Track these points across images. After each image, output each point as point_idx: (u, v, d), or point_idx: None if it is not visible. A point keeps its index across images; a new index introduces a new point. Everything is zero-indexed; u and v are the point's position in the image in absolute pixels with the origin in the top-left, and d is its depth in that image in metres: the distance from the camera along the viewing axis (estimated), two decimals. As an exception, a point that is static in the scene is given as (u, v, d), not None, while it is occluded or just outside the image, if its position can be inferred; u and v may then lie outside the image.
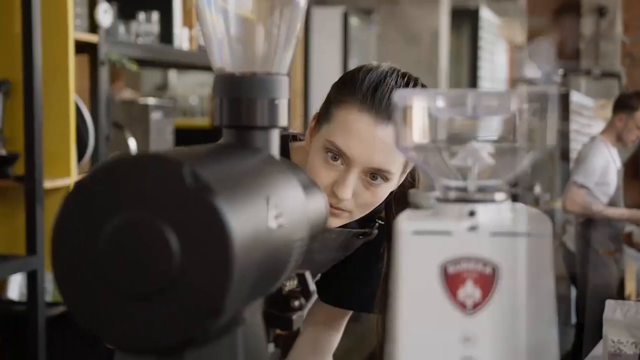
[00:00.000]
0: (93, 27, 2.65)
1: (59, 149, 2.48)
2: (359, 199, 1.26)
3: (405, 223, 0.70)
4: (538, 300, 0.68)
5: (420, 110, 0.71)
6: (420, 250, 0.69)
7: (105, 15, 2.62)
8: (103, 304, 0.62)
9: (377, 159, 1.22)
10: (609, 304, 2.01)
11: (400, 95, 0.71)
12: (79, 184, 0.63)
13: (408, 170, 1.32)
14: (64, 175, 2.50)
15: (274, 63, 0.83)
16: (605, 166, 4.23)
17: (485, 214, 0.69)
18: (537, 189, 6.27)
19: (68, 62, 2.46)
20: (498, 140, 0.73)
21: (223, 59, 0.82)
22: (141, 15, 3.02)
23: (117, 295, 0.62)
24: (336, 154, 1.24)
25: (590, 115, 7.89)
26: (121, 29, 2.91)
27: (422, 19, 5.43)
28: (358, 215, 1.29)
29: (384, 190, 1.27)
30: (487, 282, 0.67)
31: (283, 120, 0.83)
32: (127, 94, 3.74)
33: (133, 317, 0.62)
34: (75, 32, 2.54)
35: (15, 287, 2.58)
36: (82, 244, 0.63)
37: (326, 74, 5.26)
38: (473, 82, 7.45)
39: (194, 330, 0.62)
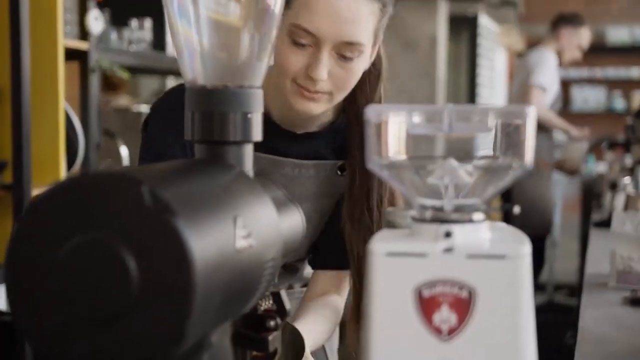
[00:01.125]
0: (84, 34, 2.62)
1: (48, 157, 2.45)
2: (335, 78, 1.23)
3: (379, 244, 0.67)
4: (516, 325, 0.65)
5: (394, 125, 0.69)
6: (394, 273, 0.66)
7: (95, 22, 2.60)
8: (60, 328, 0.60)
9: (346, 30, 1.20)
10: (617, 215, 1.90)
11: (373, 111, 0.68)
12: (35, 203, 0.60)
13: (378, 43, 1.30)
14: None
15: (247, 75, 0.80)
16: (554, 72, 4.39)
17: (462, 234, 0.66)
18: None
19: (58, 69, 2.44)
20: (476, 158, 0.70)
21: (195, 71, 0.80)
22: (133, 22, 3.00)
23: (75, 319, 0.59)
24: (302, 36, 1.21)
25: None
26: (113, 35, 2.88)
27: (420, 25, 5.41)
28: (338, 96, 1.27)
29: (358, 65, 1.24)
30: (464, 306, 0.65)
31: (257, 135, 0.80)
32: (123, 100, 3.72)
33: (91, 342, 0.59)
34: (66, 39, 2.51)
35: (3, 297, 2.55)
36: (38, 265, 0.60)
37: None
38: (471, 89, 7.43)
39: (154, 357, 0.59)
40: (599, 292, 1.81)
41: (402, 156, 0.70)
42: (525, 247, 0.65)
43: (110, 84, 3.42)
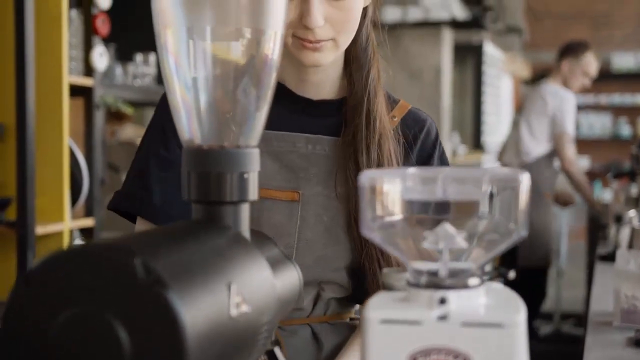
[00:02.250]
0: (89, 70, 2.64)
1: (52, 193, 2.46)
2: (333, 21, 1.15)
3: (373, 311, 0.67)
4: (512, 393, 0.64)
5: (387, 190, 0.68)
6: (388, 340, 0.66)
7: (100, 58, 2.62)
8: (53, 400, 0.59)
9: None
10: (621, 254, 1.88)
11: (367, 176, 0.68)
12: (28, 275, 0.60)
13: None
14: (57, 220, 2.48)
15: (244, 134, 0.81)
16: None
17: (457, 301, 0.66)
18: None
19: (62, 106, 2.45)
20: (471, 223, 0.70)
21: (191, 130, 0.80)
22: (138, 57, 3.02)
23: (68, 391, 0.59)
24: None
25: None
26: (118, 70, 2.90)
27: (425, 55, 5.43)
28: (344, 41, 1.18)
29: (354, 2, 1.16)
30: (458, 375, 0.64)
31: (253, 194, 0.80)
32: (129, 130, 3.73)
33: (84, 414, 0.59)
34: (71, 76, 2.53)
35: None
36: (31, 337, 0.60)
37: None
38: (477, 116, 7.44)
39: None
40: (604, 331, 1.80)
41: (396, 221, 0.69)
42: (520, 315, 0.65)
43: (115, 114, 3.44)
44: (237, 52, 0.78)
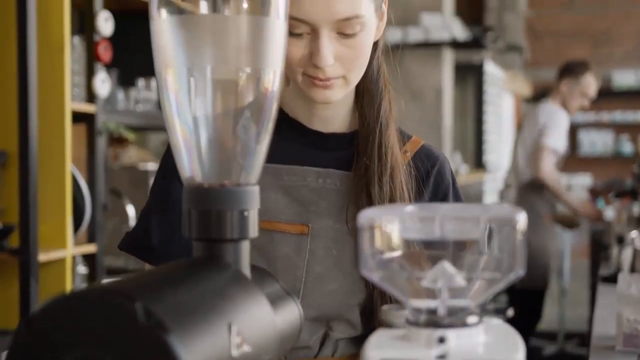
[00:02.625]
0: (91, 96, 2.65)
1: (54, 220, 2.47)
2: (343, 59, 1.14)
3: (373, 350, 0.67)
4: None
5: (386, 229, 0.69)
6: (388, 379, 0.66)
7: (103, 85, 2.63)
8: None
9: (336, 8, 1.10)
10: (623, 277, 1.87)
11: (366, 215, 0.69)
12: (30, 318, 0.61)
13: (384, 8, 1.21)
14: (60, 247, 2.48)
15: (244, 172, 0.81)
16: (565, 135, 4.43)
17: (456, 340, 0.66)
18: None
19: (65, 133, 2.46)
20: (469, 261, 0.70)
21: (192, 169, 0.81)
22: (140, 82, 3.03)
23: None
24: (296, 26, 1.12)
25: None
26: (120, 95, 2.92)
27: (426, 76, 5.45)
28: (354, 77, 1.17)
29: (365, 39, 1.14)
30: (458, 414, 0.65)
31: (254, 232, 0.81)
32: (132, 152, 3.74)
33: None
34: (73, 102, 2.54)
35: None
36: (33, 381, 0.60)
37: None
38: (478, 135, 7.45)
39: None
40: (606, 356, 1.79)
41: (395, 260, 0.70)
42: (519, 353, 0.65)
43: (118, 138, 3.45)
44: (237, 90, 0.79)
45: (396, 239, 0.70)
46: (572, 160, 10.31)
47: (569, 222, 4.86)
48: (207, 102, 0.79)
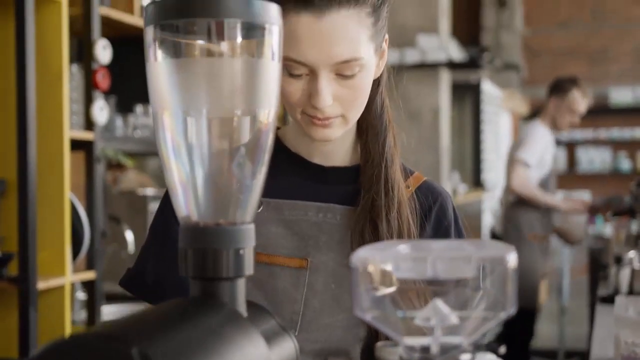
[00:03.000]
0: (89, 123, 2.67)
1: (54, 248, 2.47)
2: (341, 99, 1.14)
3: (367, 389, 0.68)
4: None
5: (379, 270, 0.70)
6: (382, 419, 0.67)
7: (101, 112, 2.65)
8: None
9: (337, 51, 1.11)
10: (620, 300, 1.88)
11: (358, 257, 0.70)
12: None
13: (384, 47, 1.21)
14: (59, 274, 2.49)
15: (239, 210, 0.82)
16: (545, 147, 4.37)
17: (450, 378, 0.67)
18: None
19: (63, 161, 2.47)
20: (462, 300, 0.71)
21: (188, 208, 0.82)
22: (138, 108, 3.05)
23: None
24: (295, 67, 1.12)
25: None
26: (119, 122, 2.93)
27: (423, 96, 5.48)
28: (353, 116, 1.17)
29: (364, 79, 1.15)
30: None
31: (249, 269, 0.82)
32: (131, 176, 3.75)
33: None
34: (72, 130, 2.55)
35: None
36: None
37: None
38: (476, 155, 7.47)
39: None
40: (605, 380, 1.80)
41: (388, 300, 0.71)
42: (511, 391, 0.66)
43: (117, 163, 3.46)
44: (232, 130, 0.81)
45: (389, 278, 0.71)
46: (571, 178, 10.34)
47: (568, 237, 4.85)
48: (203, 143, 0.80)
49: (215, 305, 0.78)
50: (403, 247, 0.72)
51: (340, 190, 1.25)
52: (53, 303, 2.46)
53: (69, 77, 2.56)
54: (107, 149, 2.69)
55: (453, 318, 0.70)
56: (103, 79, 2.63)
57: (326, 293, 1.19)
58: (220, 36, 0.78)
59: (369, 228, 1.20)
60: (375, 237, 1.19)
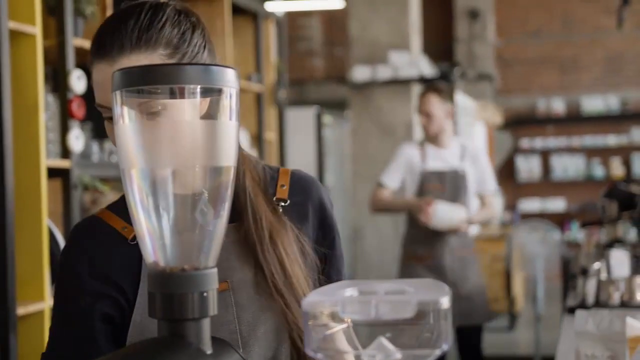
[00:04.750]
0: (65, 151, 2.73)
1: (32, 274, 2.53)
2: None
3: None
4: None
5: (327, 313, 0.78)
6: None
7: (77, 141, 2.71)
8: None
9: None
10: (580, 314, 1.95)
11: (307, 302, 0.78)
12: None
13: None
14: (38, 300, 2.54)
15: (203, 255, 0.90)
16: (407, 166, 4.11)
17: (392, 410, 0.75)
18: None
19: (40, 188, 2.53)
20: (404, 338, 0.79)
21: (155, 254, 0.89)
22: (114, 134, 3.12)
23: None
24: (104, 111, 1.18)
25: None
26: (95, 147, 2.99)
27: (396, 111, 5.57)
28: None
29: (172, 119, 1.12)
30: None
31: (213, 309, 0.89)
32: (110, 197, 3.79)
33: None
34: (48, 159, 2.61)
35: None
36: None
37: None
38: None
39: None
40: (569, 391, 1.87)
41: (336, 339, 0.79)
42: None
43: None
44: (194, 184, 0.88)
45: (336, 320, 0.78)
46: (546, 185, 10.49)
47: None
48: (168, 196, 0.88)
49: (182, 344, 0.85)
50: (349, 292, 0.80)
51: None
52: (33, 328, 2.51)
53: (45, 107, 2.62)
54: (84, 176, 2.75)
55: (397, 354, 0.78)
56: (78, 109, 2.69)
57: (253, 305, 1.25)
58: (181, 100, 0.85)
59: (257, 255, 1.26)
60: (263, 263, 1.25)
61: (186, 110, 0.86)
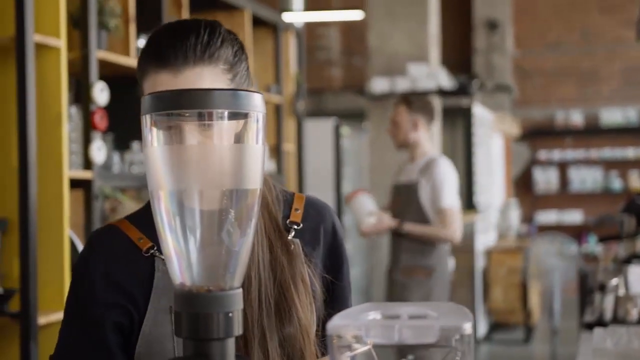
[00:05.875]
0: (87, 163, 2.76)
1: (54, 284, 2.55)
2: None
3: None
4: None
5: (352, 337, 0.79)
6: None
7: (99, 152, 2.74)
8: None
9: None
10: (598, 332, 1.95)
11: (332, 325, 0.79)
12: None
13: None
14: (59, 309, 2.57)
15: (228, 278, 0.92)
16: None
17: None
18: None
19: (63, 200, 2.56)
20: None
21: (182, 275, 0.91)
22: (135, 145, 3.15)
23: None
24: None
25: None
26: (116, 158, 3.03)
27: (414, 122, 5.56)
28: None
29: (223, 132, 1.16)
30: None
31: (238, 329, 0.91)
32: (128, 205, 3.82)
33: None
34: (70, 170, 2.64)
35: None
36: None
37: (320, 184, 5.40)
38: (469, 177, 7.56)
39: None
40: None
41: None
42: None
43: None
44: (221, 207, 0.90)
45: (361, 343, 0.80)
46: (563, 197, 10.44)
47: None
48: (195, 218, 0.90)
49: (207, 364, 0.87)
50: (373, 316, 0.81)
51: None
52: (53, 338, 2.53)
53: (68, 118, 2.66)
54: (105, 187, 2.78)
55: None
56: (101, 120, 2.72)
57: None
58: (210, 124, 0.87)
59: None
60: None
61: (214, 134, 0.88)
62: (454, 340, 0.77)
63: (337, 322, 0.79)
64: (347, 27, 10.16)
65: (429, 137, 4.12)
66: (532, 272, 7.25)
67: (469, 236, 7.06)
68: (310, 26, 9.46)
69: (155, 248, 1.25)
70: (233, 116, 0.88)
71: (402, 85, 5.43)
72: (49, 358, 1.29)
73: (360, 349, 0.81)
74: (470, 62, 9.93)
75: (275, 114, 4.53)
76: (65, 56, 2.60)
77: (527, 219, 10.09)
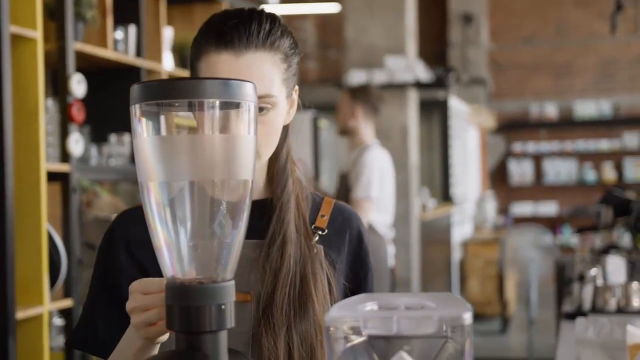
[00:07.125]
0: (65, 155, 2.72)
1: (31, 278, 2.52)
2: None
3: None
4: None
5: (349, 328, 0.78)
6: None
7: (76, 145, 2.70)
8: None
9: None
10: (580, 322, 1.95)
11: (330, 317, 0.78)
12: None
13: (294, 96, 1.29)
14: (37, 304, 2.54)
15: (219, 270, 0.90)
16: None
17: None
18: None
19: (40, 193, 2.53)
20: (425, 353, 0.79)
21: (173, 268, 0.89)
22: (112, 137, 3.11)
23: None
24: None
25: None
26: (93, 151, 2.99)
27: (392, 116, 5.57)
28: (266, 152, 1.24)
29: (276, 118, 1.23)
30: None
31: (230, 322, 0.89)
32: (105, 199, 3.78)
33: None
34: (48, 163, 2.61)
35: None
36: None
37: (298, 177, 5.36)
38: (445, 169, 7.58)
39: None
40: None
41: (358, 351, 0.79)
42: None
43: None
44: (212, 199, 0.88)
45: (359, 335, 0.79)
46: (538, 189, 10.50)
47: None
48: (186, 209, 0.88)
49: (199, 357, 0.85)
50: (370, 306, 0.80)
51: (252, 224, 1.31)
52: (31, 332, 2.50)
53: (45, 111, 2.62)
54: (82, 180, 2.74)
55: (416, 369, 0.78)
56: (78, 113, 2.69)
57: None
58: (200, 114, 0.86)
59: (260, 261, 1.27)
60: (263, 270, 1.25)
61: (205, 124, 0.87)
62: (453, 330, 0.77)
63: (335, 314, 0.78)
64: (323, 20, 10.14)
65: (369, 127, 4.10)
66: (508, 263, 7.29)
67: (445, 228, 7.10)
68: (286, 19, 9.40)
69: None
70: (224, 106, 0.87)
71: (379, 77, 5.43)
72: (71, 332, 1.31)
73: (357, 340, 0.80)
74: (445, 55, 9.95)
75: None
76: (42, 48, 2.56)
77: (503, 210, 10.15)
